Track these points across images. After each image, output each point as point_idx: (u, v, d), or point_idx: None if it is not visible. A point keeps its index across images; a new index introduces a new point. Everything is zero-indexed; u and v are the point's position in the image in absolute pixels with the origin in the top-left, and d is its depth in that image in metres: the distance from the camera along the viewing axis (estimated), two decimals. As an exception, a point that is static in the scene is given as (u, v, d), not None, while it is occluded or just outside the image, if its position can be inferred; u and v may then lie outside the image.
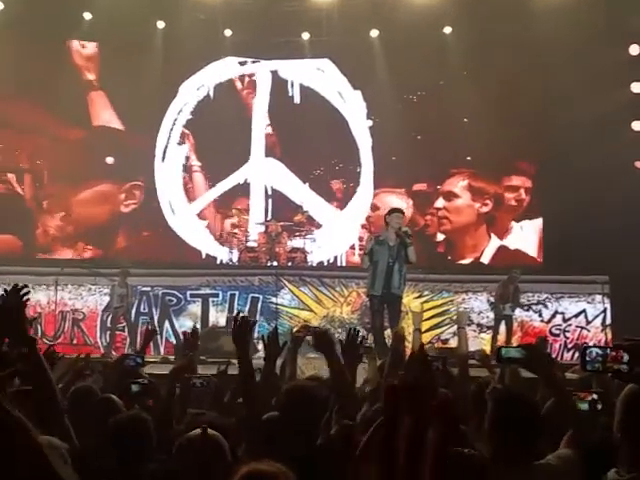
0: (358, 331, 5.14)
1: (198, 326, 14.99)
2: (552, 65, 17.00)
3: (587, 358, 3.24)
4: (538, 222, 18.34)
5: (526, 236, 18.50)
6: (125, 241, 18.71)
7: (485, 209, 18.80)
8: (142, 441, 3.81)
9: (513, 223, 18.59)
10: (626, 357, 3.02)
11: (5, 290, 3.67)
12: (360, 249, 17.31)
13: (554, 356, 16.06)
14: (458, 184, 18.90)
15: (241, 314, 4.69)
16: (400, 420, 2.13)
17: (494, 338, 15.38)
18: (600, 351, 3.21)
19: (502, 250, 18.54)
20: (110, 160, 18.59)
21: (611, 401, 4.83)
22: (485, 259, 18.58)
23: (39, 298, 16.49)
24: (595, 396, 4.65)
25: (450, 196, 18.93)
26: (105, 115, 18.93)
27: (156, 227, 18.76)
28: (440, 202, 18.90)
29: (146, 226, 18.77)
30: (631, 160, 16.65)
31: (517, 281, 15.39)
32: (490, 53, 17.45)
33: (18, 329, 3.68)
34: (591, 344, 14.04)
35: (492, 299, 15.91)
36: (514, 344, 15.33)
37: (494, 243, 18.68)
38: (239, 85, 19.51)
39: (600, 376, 4.56)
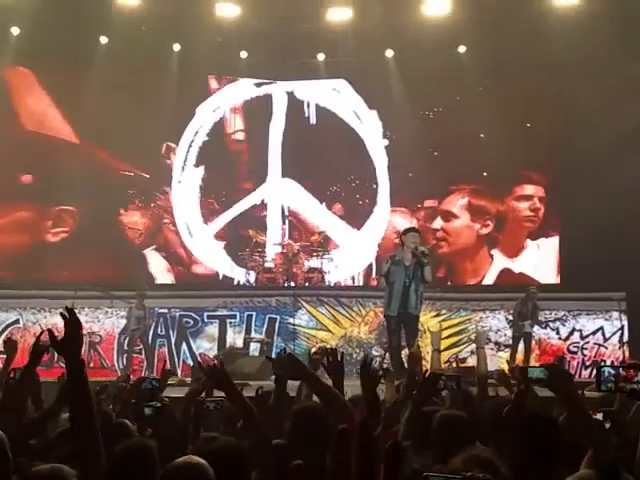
0: (372, 358, 5.11)
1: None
2: (568, 82, 16.94)
3: (601, 378, 3.23)
4: (555, 241, 18.27)
5: (543, 256, 18.43)
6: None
7: (486, 230, 18.76)
8: (143, 470, 3.78)
9: (528, 241, 18.51)
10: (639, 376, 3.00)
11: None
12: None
13: (572, 373, 16.02)
14: (457, 203, 18.92)
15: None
16: (350, 461, 2.16)
17: (512, 356, 15.30)
18: (613, 371, 3.19)
19: (506, 273, 18.49)
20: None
21: (621, 420, 4.81)
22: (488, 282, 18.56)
23: (55, 322, 16.52)
24: (600, 415, 4.62)
25: (449, 216, 18.92)
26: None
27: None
28: (438, 222, 18.92)
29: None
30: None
31: (535, 298, 15.32)
32: (505, 71, 17.48)
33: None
34: (607, 363, 14.01)
35: (510, 317, 15.83)
36: (533, 362, 15.28)
37: (498, 265, 18.65)
38: (255, 106, 19.57)
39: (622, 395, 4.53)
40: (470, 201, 18.84)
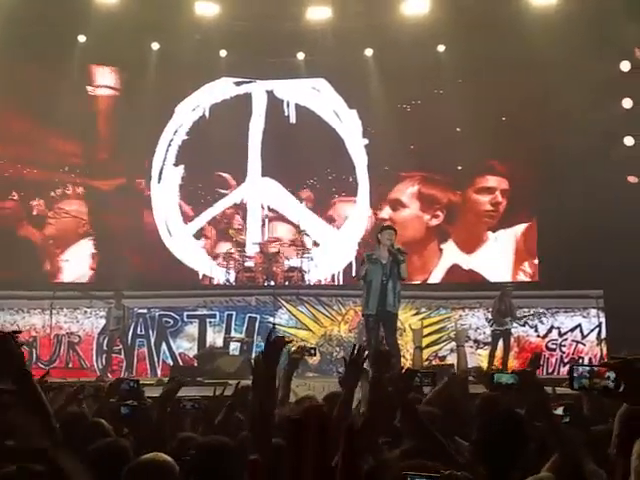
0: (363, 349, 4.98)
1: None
2: (545, 80, 17.06)
3: (574, 376, 3.24)
4: (511, 237, 18.34)
5: (500, 252, 18.53)
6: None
7: (435, 222, 18.82)
8: (117, 469, 3.78)
9: (489, 234, 18.58)
10: (612, 375, 3.01)
11: None
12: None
13: (550, 371, 16.17)
14: (407, 191, 18.99)
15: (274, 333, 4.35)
16: (304, 451, 2.16)
17: (492, 354, 15.37)
18: (587, 369, 3.20)
19: (455, 270, 18.54)
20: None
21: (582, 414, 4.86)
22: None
23: (34, 322, 16.48)
24: (561, 410, 4.64)
25: (397, 205, 18.97)
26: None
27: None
28: (386, 212, 18.99)
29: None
30: (624, 175, 16.68)
31: (511, 295, 15.40)
32: (483, 69, 17.54)
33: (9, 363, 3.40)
34: (582, 361, 14.13)
35: (489, 315, 15.90)
36: (511, 360, 15.39)
37: (448, 261, 18.67)
38: (235, 105, 19.53)
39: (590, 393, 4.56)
40: (420, 189, 18.89)
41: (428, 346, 16.31)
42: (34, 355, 16.09)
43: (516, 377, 4.16)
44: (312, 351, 9.06)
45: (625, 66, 16.65)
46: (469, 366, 13.37)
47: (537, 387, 4.11)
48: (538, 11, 16.59)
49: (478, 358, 15.90)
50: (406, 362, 13.90)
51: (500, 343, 15.37)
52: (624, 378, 2.91)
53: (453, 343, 15.93)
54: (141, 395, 6.15)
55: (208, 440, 4.13)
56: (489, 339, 15.87)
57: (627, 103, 16.76)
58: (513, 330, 15.74)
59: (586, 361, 15.07)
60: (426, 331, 16.33)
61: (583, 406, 5.29)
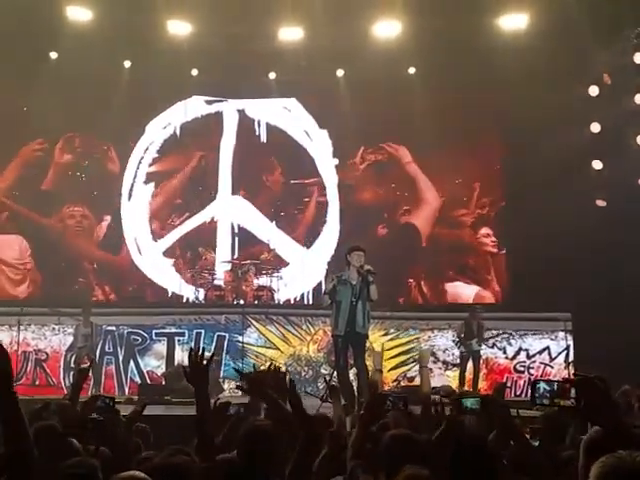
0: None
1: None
2: (516, 104, 17.23)
3: (536, 394, 3.27)
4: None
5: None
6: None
7: None
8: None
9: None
10: (573, 392, 3.05)
11: None
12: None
13: (518, 393, 16.21)
14: None
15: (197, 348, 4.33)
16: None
17: (462, 375, 15.40)
18: (548, 386, 3.23)
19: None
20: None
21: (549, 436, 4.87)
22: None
23: (1, 338, 16.32)
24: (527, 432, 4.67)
25: None
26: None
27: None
28: None
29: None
30: (592, 198, 16.85)
31: (480, 317, 15.46)
32: (452, 92, 17.67)
33: None
34: (541, 379, 14.16)
35: (456, 337, 15.95)
36: (481, 381, 15.44)
37: None
38: (206, 124, 19.53)
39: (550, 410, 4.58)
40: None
41: (397, 367, 16.36)
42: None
43: (479, 401, 4.19)
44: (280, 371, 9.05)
45: (594, 91, 16.87)
46: (436, 386, 13.49)
47: (501, 408, 4.12)
48: (508, 35, 16.74)
49: (447, 379, 15.94)
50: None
51: (470, 364, 15.41)
52: (584, 395, 2.95)
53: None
54: (116, 412, 6.13)
55: (165, 461, 4.14)
56: (457, 360, 15.92)
57: (595, 127, 16.97)
58: (482, 352, 15.80)
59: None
60: (395, 352, 16.38)
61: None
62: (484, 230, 18.86)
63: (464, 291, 18.76)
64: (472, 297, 18.59)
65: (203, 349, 4.29)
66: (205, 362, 4.16)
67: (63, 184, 18.94)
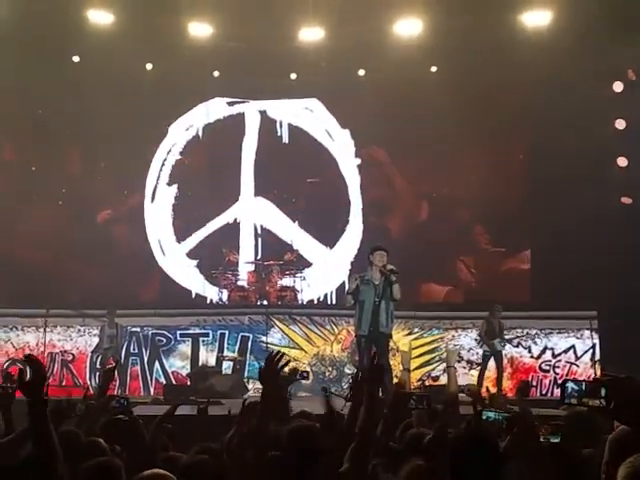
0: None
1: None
2: (539, 102, 17.16)
3: (565, 393, 3.26)
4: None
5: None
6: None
7: None
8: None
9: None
10: (603, 392, 3.03)
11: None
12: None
13: (544, 392, 16.15)
14: None
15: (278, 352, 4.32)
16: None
17: (481, 375, 15.30)
18: (576, 386, 3.22)
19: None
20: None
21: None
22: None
23: (28, 340, 16.45)
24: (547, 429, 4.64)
25: None
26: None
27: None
28: None
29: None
30: (618, 195, 16.74)
31: (499, 316, 15.35)
32: (475, 91, 17.58)
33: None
34: (569, 379, 14.09)
35: (477, 337, 15.89)
36: (505, 380, 15.38)
37: None
38: (228, 125, 19.57)
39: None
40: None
41: (421, 366, 16.35)
42: (28, 374, 15.98)
43: (504, 417, 4.15)
44: (304, 374, 9.08)
45: (618, 87, 16.77)
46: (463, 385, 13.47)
47: (529, 429, 4.07)
48: (531, 32, 16.63)
49: (470, 379, 15.88)
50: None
51: (492, 364, 15.34)
52: (614, 395, 2.93)
53: (445, 364, 15.93)
54: (131, 413, 6.16)
55: (193, 459, 4.16)
56: (481, 360, 15.86)
57: (620, 124, 16.86)
58: (507, 350, 15.73)
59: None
60: (419, 352, 16.36)
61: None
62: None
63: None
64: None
65: (280, 353, 4.21)
66: (279, 366, 4.11)
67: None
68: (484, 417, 4.35)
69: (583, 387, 3.22)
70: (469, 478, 3.59)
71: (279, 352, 4.21)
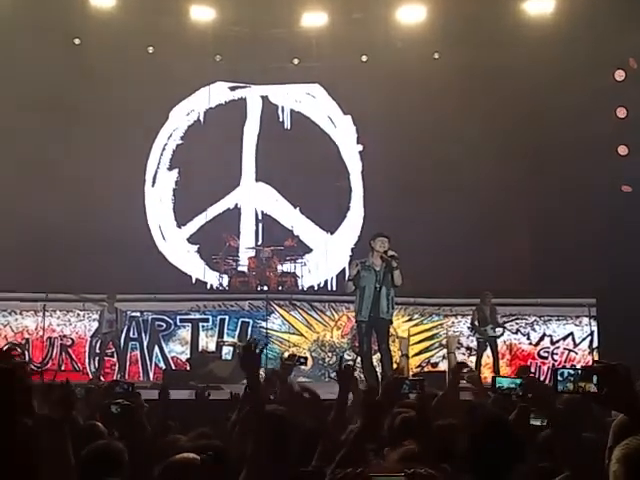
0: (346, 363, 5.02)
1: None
2: (540, 89, 17.10)
3: (559, 379, 3.25)
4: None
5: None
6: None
7: None
8: (112, 471, 3.78)
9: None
10: (595, 379, 3.04)
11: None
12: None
13: (542, 379, 16.14)
14: None
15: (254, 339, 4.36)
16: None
17: (478, 361, 15.29)
18: (571, 372, 3.22)
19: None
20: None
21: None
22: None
23: (27, 324, 16.46)
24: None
25: None
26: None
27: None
28: None
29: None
30: (618, 183, 16.72)
31: (490, 302, 15.30)
32: (478, 78, 17.52)
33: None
34: (562, 367, 14.11)
35: (470, 325, 15.88)
36: (503, 366, 15.40)
37: None
38: (229, 110, 19.54)
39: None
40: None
41: (420, 353, 16.35)
42: (27, 357, 16.05)
43: (517, 382, 4.16)
44: (302, 360, 9.10)
45: (620, 75, 16.72)
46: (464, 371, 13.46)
47: (545, 390, 4.06)
48: (533, 20, 16.63)
49: (470, 365, 15.89)
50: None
51: (488, 351, 15.33)
52: (607, 382, 2.94)
53: (445, 350, 15.95)
54: (137, 395, 6.17)
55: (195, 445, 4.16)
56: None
57: (621, 112, 16.82)
58: (506, 337, 15.74)
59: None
60: (418, 338, 16.37)
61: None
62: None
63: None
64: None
65: (256, 339, 4.26)
66: (257, 351, 4.12)
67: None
68: (497, 385, 4.34)
69: (576, 373, 3.22)
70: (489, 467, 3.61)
71: (254, 339, 4.25)
